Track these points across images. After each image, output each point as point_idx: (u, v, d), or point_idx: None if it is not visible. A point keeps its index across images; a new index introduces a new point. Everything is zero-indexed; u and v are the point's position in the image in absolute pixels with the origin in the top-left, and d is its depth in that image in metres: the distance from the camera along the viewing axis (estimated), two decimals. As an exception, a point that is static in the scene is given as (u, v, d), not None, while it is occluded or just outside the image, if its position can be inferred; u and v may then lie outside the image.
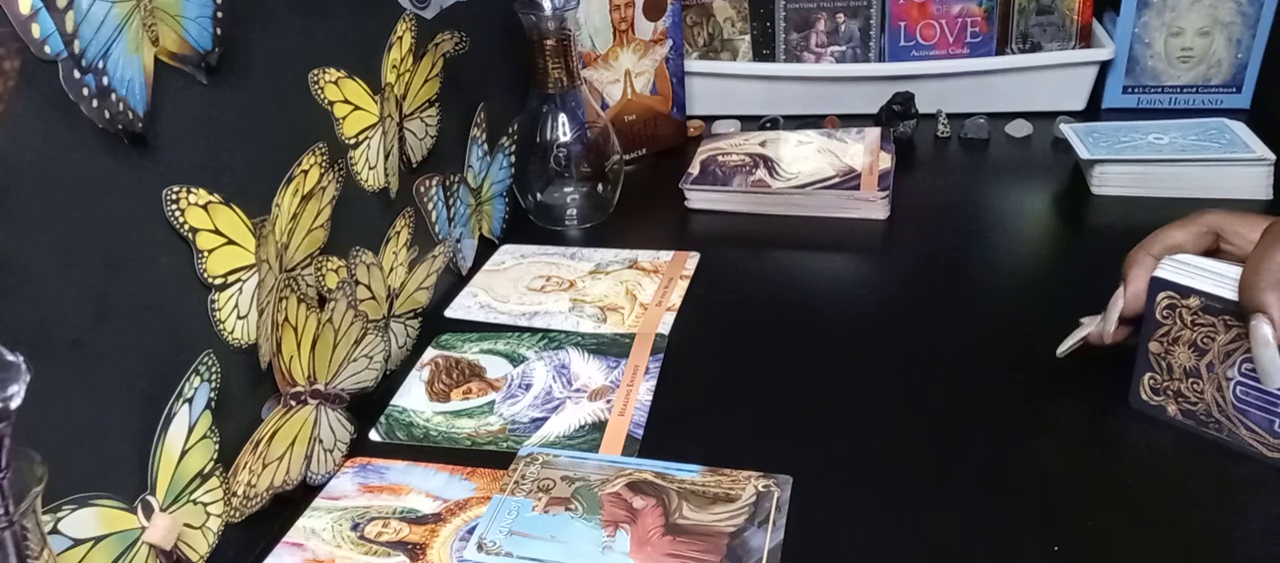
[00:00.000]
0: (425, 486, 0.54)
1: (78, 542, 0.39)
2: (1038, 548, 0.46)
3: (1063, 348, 0.56)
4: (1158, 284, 0.51)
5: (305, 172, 0.53)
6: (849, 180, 0.82)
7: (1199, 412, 0.52)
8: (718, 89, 1.02)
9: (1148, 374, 0.53)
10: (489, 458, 0.56)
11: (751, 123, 1.00)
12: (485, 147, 0.77)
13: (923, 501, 0.50)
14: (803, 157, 0.87)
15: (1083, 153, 0.81)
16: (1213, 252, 0.53)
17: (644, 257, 0.77)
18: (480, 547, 0.48)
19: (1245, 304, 0.47)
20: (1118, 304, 0.53)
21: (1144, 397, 0.54)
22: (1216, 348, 0.50)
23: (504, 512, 0.51)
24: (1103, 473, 0.52)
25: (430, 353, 0.67)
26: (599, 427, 0.58)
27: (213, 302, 0.47)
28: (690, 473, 0.52)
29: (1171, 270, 0.51)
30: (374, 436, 0.59)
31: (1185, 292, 0.50)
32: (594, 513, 0.50)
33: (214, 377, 0.47)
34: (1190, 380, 0.51)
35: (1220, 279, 0.49)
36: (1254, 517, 0.47)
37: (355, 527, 0.52)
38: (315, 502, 0.54)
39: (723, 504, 0.50)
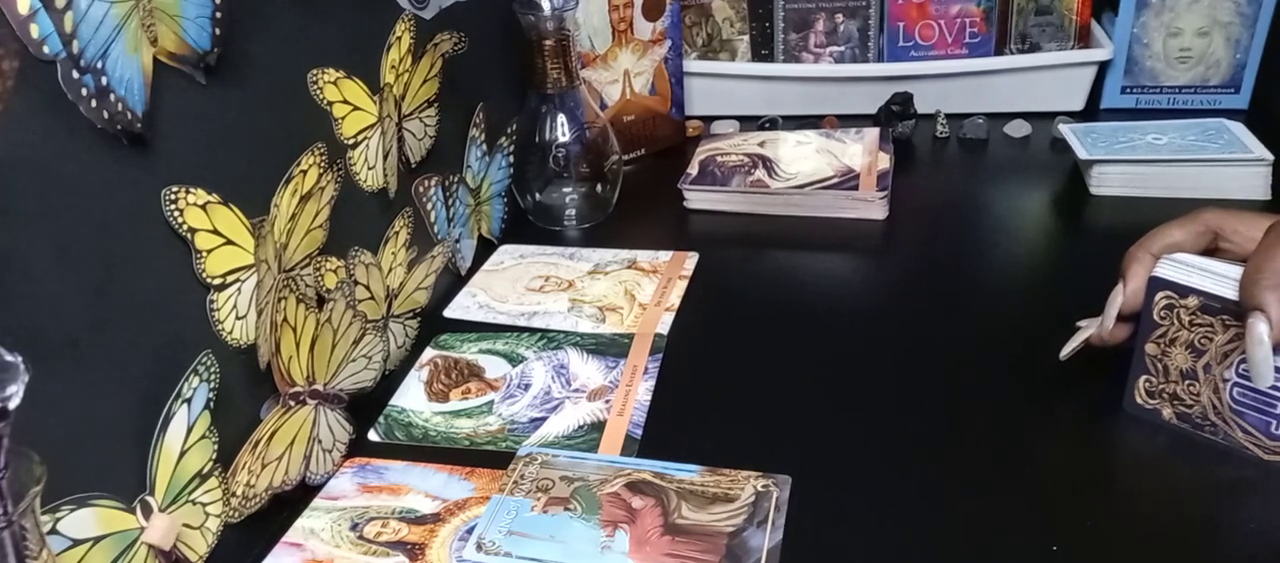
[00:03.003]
0: (424, 486, 0.54)
1: (76, 542, 0.39)
2: (1036, 548, 0.46)
3: (1065, 351, 0.56)
4: (1156, 284, 0.51)
5: (304, 172, 0.53)
6: (848, 180, 0.82)
7: (1195, 415, 0.52)
8: (716, 89, 1.02)
9: (1143, 377, 0.53)
10: (488, 458, 0.56)
11: (750, 123, 1.00)
12: (484, 147, 0.77)
13: (921, 500, 0.50)
14: (801, 157, 0.87)
15: (1081, 153, 0.81)
16: (1211, 251, 0.53)
17: (643, 257, 0.77)
18: (479, 547, 0.49)
19: (1245, 303, 0.47)
20: (1116, 302, 0.53)
21: (1139, 400, 0.54)
22: (1214, 349, 0.50)
23: (503, 512, 0.51)
24: (1101, 474, 0.52)
25: (429, 353, 0.67)
26: (598, 427, 0.58)
27: (211, 302, 0.47)
28: (689, 473, 0.52)
29: (1170, 270, 0.51)
30: (373, 436, 0.59)
31: (1183, 291, 0.50)
32: (593, 513, 0.50)
33: (213, 377, 0.47)
34: (1186, 383, 0.51)
35: (1219, 278, 0.49)
36: (1251, 518, 0.47)
37: (354, 527, 0.52)
38: (314, 502, 0.54)
39: (722, 504, 0.50)
